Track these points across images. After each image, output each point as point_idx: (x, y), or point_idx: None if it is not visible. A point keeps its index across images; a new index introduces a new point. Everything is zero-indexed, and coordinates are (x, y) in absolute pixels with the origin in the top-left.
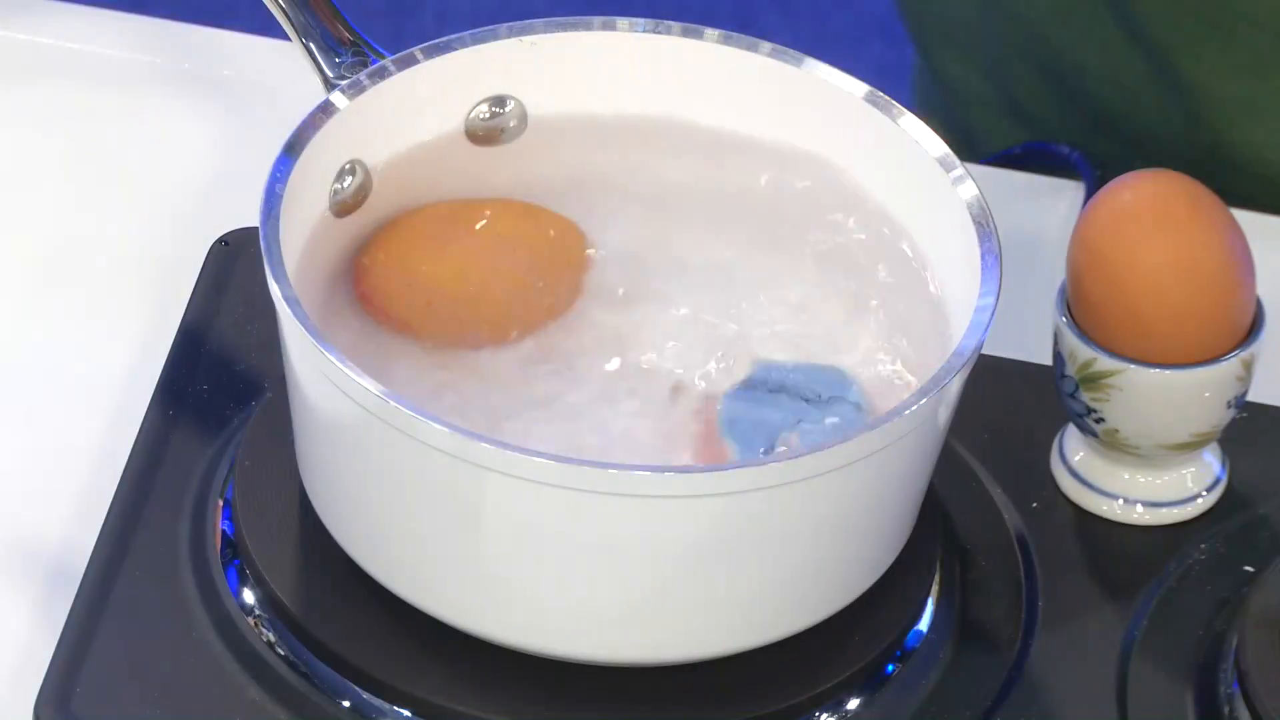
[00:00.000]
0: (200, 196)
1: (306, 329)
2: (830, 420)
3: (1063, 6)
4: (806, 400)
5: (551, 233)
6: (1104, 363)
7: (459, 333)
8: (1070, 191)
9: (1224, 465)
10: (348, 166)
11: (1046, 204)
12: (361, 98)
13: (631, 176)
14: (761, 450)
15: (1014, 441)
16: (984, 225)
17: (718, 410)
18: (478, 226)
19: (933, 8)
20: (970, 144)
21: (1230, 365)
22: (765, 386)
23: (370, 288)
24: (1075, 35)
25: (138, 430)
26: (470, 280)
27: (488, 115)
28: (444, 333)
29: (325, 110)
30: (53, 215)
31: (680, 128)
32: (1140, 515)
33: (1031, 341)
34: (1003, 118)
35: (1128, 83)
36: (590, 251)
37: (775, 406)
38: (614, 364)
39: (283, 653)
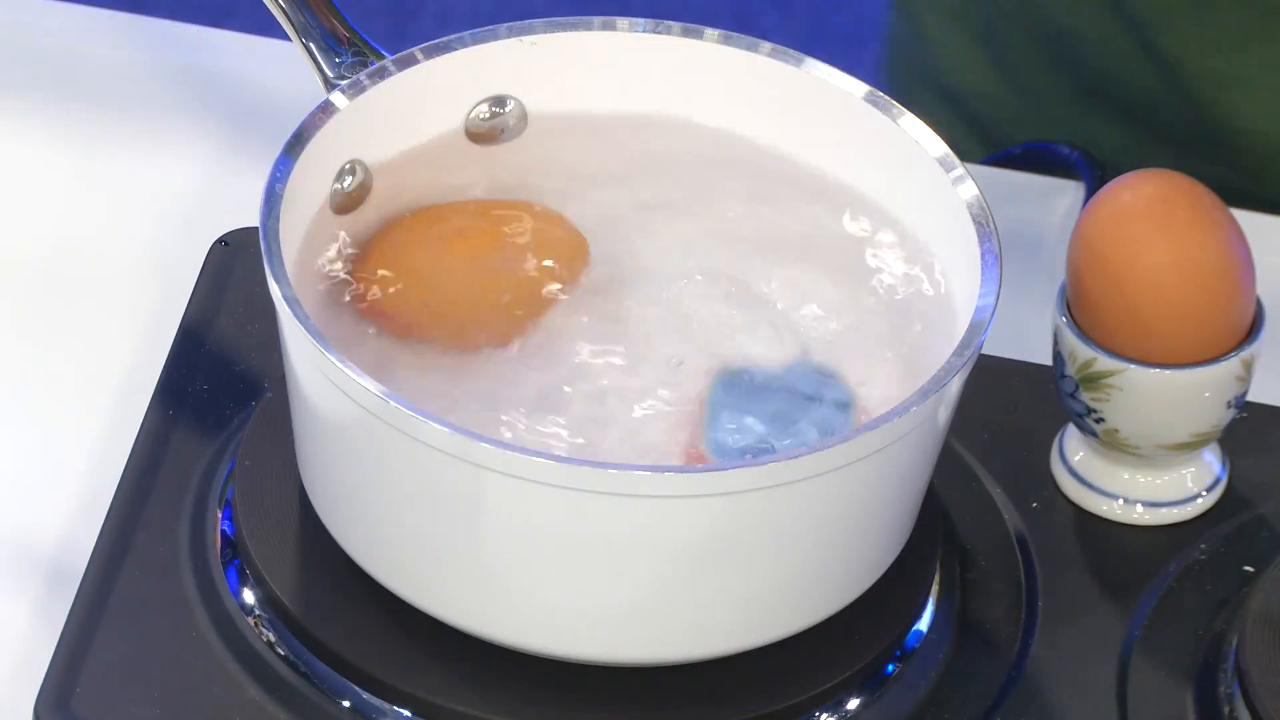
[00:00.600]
0: (200, 196)
1: (306, 329)
2: (811, 427)
3: None
4: (791, 402)
5: (548, 232)
6: (1104, 363)
7: (457, 334)
8: (1070, 191)
9: (1224, 465)
10: (348, 166)
11: (1046, 204)
12: (361, 98)
13: (631, 176)
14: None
15: (1014, 441)
16: (984, 225)
17: (703, 426)
18: (473, 227)
19: None
20: (961, 112)
21: (1230, 365)
22: (748, 390)
23: (367, 291)
24: (1066, 3)
25: (138, 430)
26: (467, 281)
27: (488, 115)
28: (442, 334)
29: (325, 110)
30: (53, 215)
31: (680, 128)
32: (1140, 515)
33: (1031, 341)
34: (996, 85)
35: (1117, 52)
36: (588, 251)
37: (758, 413)
38: (613, 364)
39: (283, 653)
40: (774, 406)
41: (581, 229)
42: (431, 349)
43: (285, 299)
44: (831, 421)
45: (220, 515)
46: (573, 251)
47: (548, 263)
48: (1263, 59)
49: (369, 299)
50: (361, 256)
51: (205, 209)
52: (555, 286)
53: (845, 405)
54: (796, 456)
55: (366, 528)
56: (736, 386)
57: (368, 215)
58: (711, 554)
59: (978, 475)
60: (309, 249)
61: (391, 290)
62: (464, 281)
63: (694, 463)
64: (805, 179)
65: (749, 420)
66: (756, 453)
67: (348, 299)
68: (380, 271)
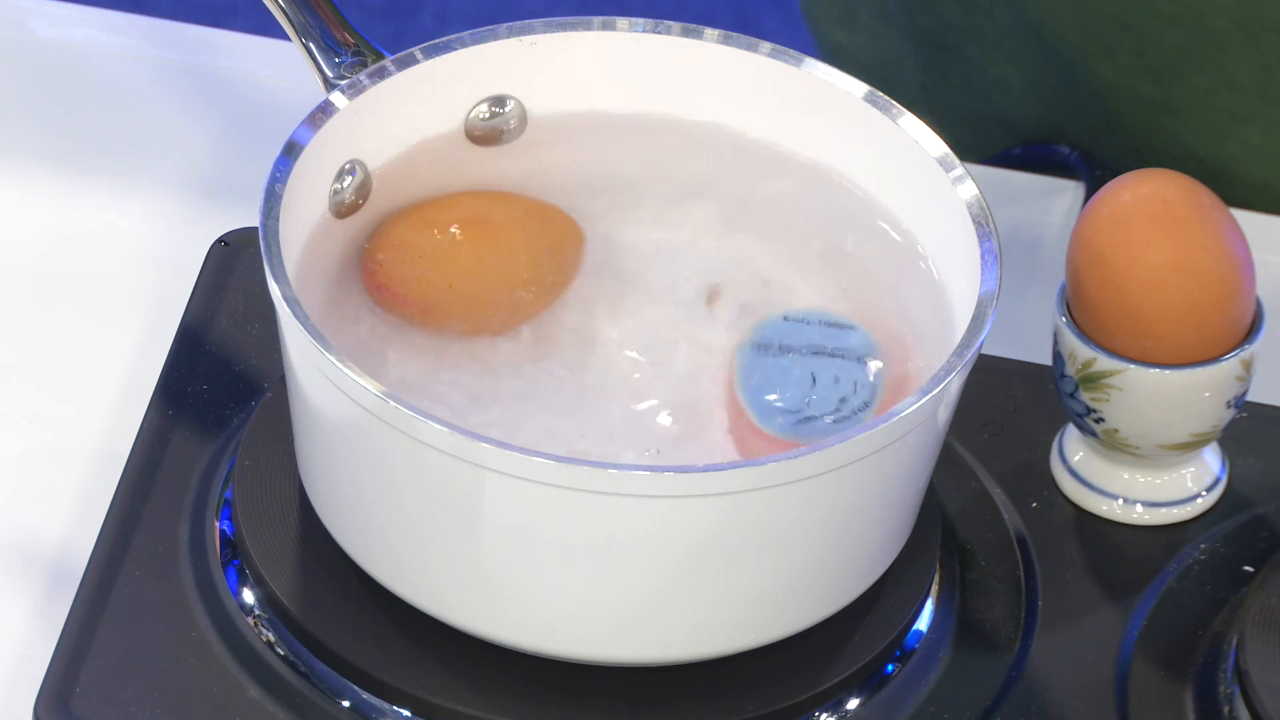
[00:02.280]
0: (200, 196)
1: (306, 329)
2: (851, 378)
3: (971, 29)
4: (822, 354)
5: (552, 224)
6: (1104, 363)
7: (476, 318)
8: (1069, 191)
9: (1224, 465)
10: (348, 166)
11: (1046, 204)
12: (361, 98)
13: (631, 176)
14: (780, 407)
15: (1014, 441)
16: (984, 225)
17: (735, 369)
18: (483, 217)
19: (847, 54)
20: None
21: (1230, 365)
22: (780, 344)
23: (386, 276)
24: (986, 53)
25: (138, 430)
26: (486, 266)
27: (488, 115)
28: (462, 318)
29: (325, 110)
30: (52, 215)
31: (680, 128)
32: (1140, 515)
33: (1031, 341)
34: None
35: (1044, 95)
36: (584, 239)
37: (794, 365)
38: (612, 363)
39: (283, 653)
40: (804, 367)
41: (582, 228)
42: (432, 347)
43: (285, 299)
44: (858, 374)
45: (220, 515)
46: (573, 242)
47: (552, 255)
48: (1193, 86)
49: (385, 287)
50: (373, 248)
51: (205, 209)
52: (558, 277)
53: (868, 356)
54: (796, 456)
55: (366, 528)
56: (763, 350)
57: (368, 215)
58: (711, 554)
59: (978, 475)
60: (309, 249)
61: (407, 276)
62: (481, 266)
63: (746, 434)
64: (805, 179)
65: (785, 387)
66: (801, 416)
67: (348, 299)
68: (393, 259)
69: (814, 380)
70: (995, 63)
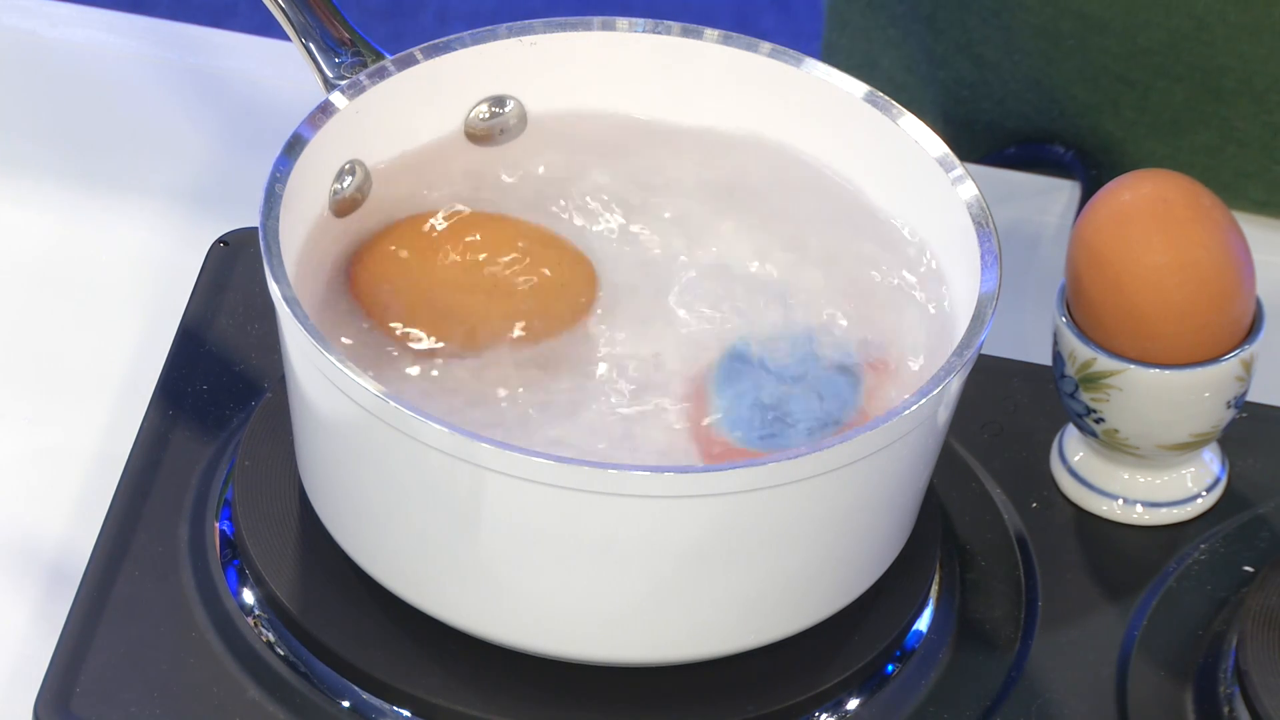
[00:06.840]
0: (200, 196)
1: (306, 329)
2: (819, 392)
3: (980, 84)
4: (798, 370)
5: (564, 257)
6: (1104, 363)
7: (456, 337)
8: (1066, 190)
9: (1224, 465)
10: (347, 166)
11: (1043, 203)
12: (361, 98)
13: (631, 176)
14: (759, 427)
15: (1014, 441)
16: (983, 225)
17: (711, 400)
18: (487, 236)
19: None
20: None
21: (1230, 365)
22: (753, 367)
23: (364, 286)
24: (994, 107)
25: (138, 430)
26: (473, 289)
27: (487, 115)
28: (439, 334)
29: (325, 110)
30: (52, 215)
31: (679, 128)
32: (1140, 515)
33: (1031, 341)
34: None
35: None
36: (596, 280)
37: (767, 386)
38: (615, 363)
39: (282, 653)
40: (782, 377)
41: (581, 228)
42: (432, 349)
43: (285, 299)
44: (837, 385)
45: (220, 515)
46: (582, 284)
47: (555, 285)
48: (1198, 142)
49: (362, 294)
50: (362, 255)
51: (205, 209)
52: (563, 303)
53: (850, 369)
54: (796, 456)
55: (366, 528)
56: (740, 365)
57: (367, 215)
58: (711, 554)
59: (978, 475)
60: (309, 249)
61: (384, 291)
62: (465, 289)
63: (712, 446)
64: (804, 179)
65: (758, 395)
66: (770, 427)
67: (348, 299)
68: (374, 271)
69: (786, 404)
70: (1002, 117)
